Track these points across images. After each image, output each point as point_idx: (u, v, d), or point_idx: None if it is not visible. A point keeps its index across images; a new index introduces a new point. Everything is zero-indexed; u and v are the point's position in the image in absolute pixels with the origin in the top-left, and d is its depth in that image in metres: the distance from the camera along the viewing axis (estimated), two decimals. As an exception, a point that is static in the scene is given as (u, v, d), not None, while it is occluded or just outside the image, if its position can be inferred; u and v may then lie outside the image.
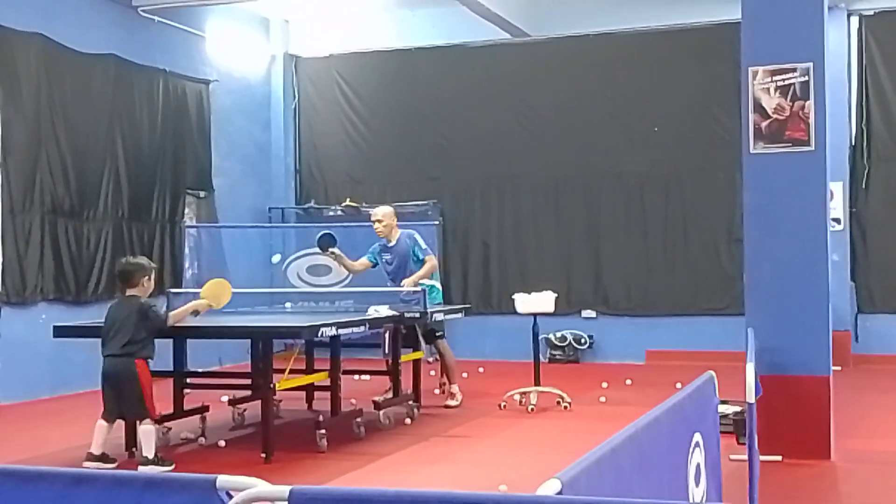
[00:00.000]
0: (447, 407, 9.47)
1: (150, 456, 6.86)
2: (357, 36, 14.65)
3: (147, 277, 7.12)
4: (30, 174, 10.56)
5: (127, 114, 11.92)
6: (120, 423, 7.13)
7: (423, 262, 9.51)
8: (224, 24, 13.69)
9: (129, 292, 7.11)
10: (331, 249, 9.31)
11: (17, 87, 10.45)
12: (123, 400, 6.92)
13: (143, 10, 12.13)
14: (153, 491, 2.12)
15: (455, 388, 9.69)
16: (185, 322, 7.31)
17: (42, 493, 2.19)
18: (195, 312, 7.32)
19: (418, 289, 9.07)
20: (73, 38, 11.13)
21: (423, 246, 9.60)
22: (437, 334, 9.68)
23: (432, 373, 10.69)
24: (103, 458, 6.90)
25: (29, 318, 10.45)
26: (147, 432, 6.91)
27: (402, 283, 9.40)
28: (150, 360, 7.02)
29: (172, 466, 6.89)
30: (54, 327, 7.88)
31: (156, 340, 7.12)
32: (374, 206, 10.14)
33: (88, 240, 11.26)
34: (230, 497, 2.03)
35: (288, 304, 10.99)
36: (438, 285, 9.90)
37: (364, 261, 9.71)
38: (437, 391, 10.14)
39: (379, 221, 9.55)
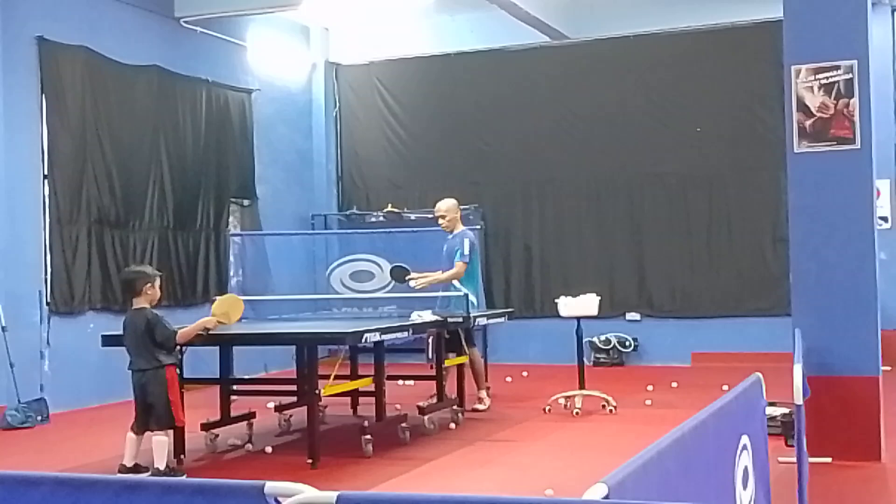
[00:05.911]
0: (475, 411, 9.41)
1: (162, 467, 6.82)
2: (396, 42, 14.71)
3: (150, 284, 7.04)
4: (76, 185, 10.70)
5: (171, 124, 12.05)
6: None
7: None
8: (265, 33, 13.80)
9: (135, 303, 7.07)
10: (407, 278, 9.30)
11: (62, 100, 10.59)
12: (155, 409, 6.89)
13: (186, 22, 12.25)
14: (202, 497, 2.14)
15: (483, 394, 9.64)
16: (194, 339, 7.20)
17: (93, 501, 2.22)
18: (205, 330, 7.17)
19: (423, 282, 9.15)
20: (117, 50, 11.27)
21: (465, 251, 9.37)
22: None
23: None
24: (136, 469, 6.90)
25: (77, 327, 10.58)
26: (160, 443, 6.87)
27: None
28: (178, 366, 7.02)
29: (184, 476, 6.82)
30: (102, 336, 7.96)
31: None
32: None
33: (134, 249, 11.37)
34: (278, 503, 2.05)
35: (344, 310, 10.90)
36: (471, 296, 9.30)
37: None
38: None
39: (442, 217, 9.53)
